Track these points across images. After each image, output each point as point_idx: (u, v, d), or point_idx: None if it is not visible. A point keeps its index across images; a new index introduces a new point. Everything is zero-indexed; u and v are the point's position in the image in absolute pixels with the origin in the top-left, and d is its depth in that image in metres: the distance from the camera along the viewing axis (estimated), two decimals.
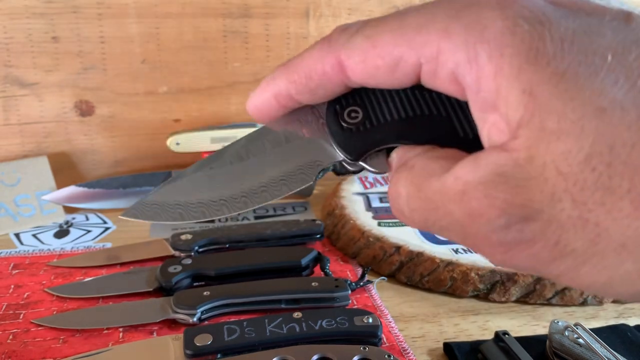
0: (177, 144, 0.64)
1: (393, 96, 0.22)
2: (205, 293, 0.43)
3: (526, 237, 0.17)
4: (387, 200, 0.22)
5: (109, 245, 0.56)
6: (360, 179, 0.65)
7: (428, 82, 0.20)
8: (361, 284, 0.48)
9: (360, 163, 0.23)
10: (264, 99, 0.24)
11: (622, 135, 0.15)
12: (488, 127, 0.18)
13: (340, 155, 0.24)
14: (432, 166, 0.19)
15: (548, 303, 0.47)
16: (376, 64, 0.20)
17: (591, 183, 0.16)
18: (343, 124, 0.23)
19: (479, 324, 0.45)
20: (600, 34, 0.17)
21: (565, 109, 0.16)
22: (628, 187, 0.15)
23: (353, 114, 0.23)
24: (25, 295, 0.46)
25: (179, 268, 0.46)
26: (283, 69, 0.23)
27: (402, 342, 0.42)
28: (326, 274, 0.48)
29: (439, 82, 0.20)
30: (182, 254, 0.51)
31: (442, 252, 0.49)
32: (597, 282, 0.17)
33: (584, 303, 0.47)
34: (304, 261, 0.48)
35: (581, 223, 0.16)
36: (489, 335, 0.42)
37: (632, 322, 0.44)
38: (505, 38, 0.17)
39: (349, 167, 0.24)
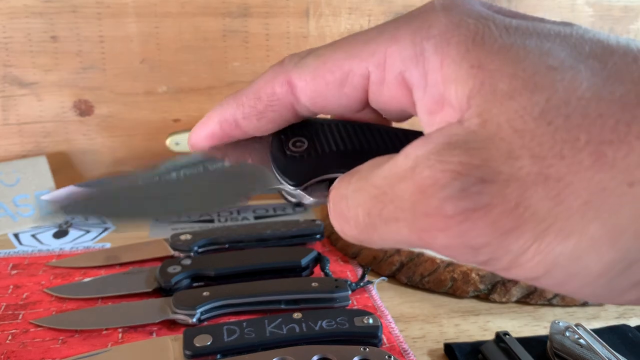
0: (177, 144, 0.63)
1: (339, 128, 0.23)
2: (204, 293, 0.43)
3: (483, 202, 0.15)
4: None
5: (108, 245, 0.55)
6: None
7: (376, 95, 0.20)
8: (361, 284, 0.47)
9: (299, 191, 0.23)
10: (208, 129, 0.23)
11: (576, 90, 0.15)
12: (437, 126, 0.18)
13: (280, 182, 0.23)
14: (378, 161, 0.19)
15: (549, 303, 0.47)
16: (326, 80, 0.20)
17: (549, 137, 0.15)
18: (287, 152, 0.23)
19: (479, 324, 0.45)
20: (543, 27, 0.17)
21: (516, 70, 0.16)
22: (586, 139, 0.15)
23: (298, 144, 0.23)
24: (24, 296, 0.46)
25: (179, 268, 0.46)
26: (232, 95, 0.22)
27: (402, 342, 0.41)
28: (326, 274, 0.48)
29: (386, 90, 0.19)
30: (181, 255, 0.51)
31: None
32: (563, 256, 0.15)
33: (585, 303, 0.47)
34: (304, 261, 0.48)
35: (542, 179, 0.15)
36: (490, 336, 0.42)
37: (633, 322, 0.44)
38: (450, 31, 0.17)
39: (288, 197, 0.24)
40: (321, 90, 0.20)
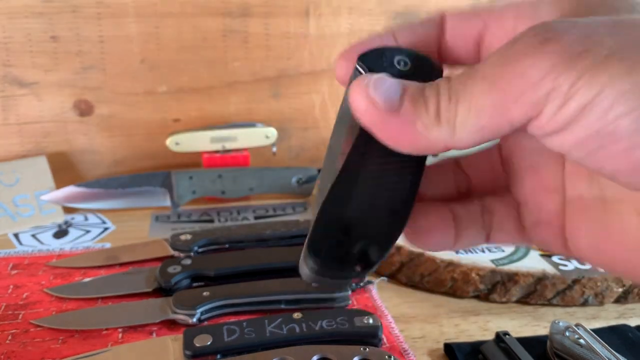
0: (177, 143, 0.63)
1: None
2: (204, 293, 0.43)
3: (558, 31, 0.17)
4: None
5: (108, 245, 0.55)
6: None
7: (486, 46, 0.22)
8: (361, 284, 0.47)
9: None
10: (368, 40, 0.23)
11: None
12: None
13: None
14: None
15: (549, 303, 0.47)
16: (468, 20, 0.22)
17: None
18: (391, 64, 0.22)
19: (479, 324, 0.45)
20: None
21: None
22: None
23: (402, 63, 0.22)
24: (24, 296, 0.46)
25: (179, 268, 0.46)
26: None
27: (402, 342, 0.41)
28: None
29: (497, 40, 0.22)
30: (181, 255, 0.51)
31: (442, 252, 0.49)
32: (617, 73, 0.16)
33: (584, 303, 0.47)
34: None
35: (610, 24, 0.17)
36: (490, 336, 0.42)
37: (633, 322, 0.44)
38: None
39: None
40: (459, 26, 0.23)
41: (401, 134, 0.19)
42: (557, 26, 0.17)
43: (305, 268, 0.21)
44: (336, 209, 0.21)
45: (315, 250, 0.20)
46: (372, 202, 0.21)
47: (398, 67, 0.21)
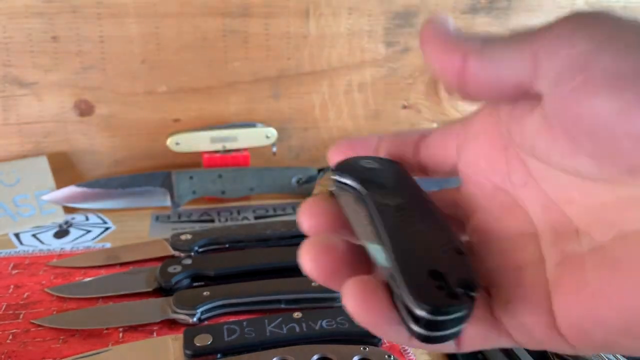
0: (177, 143, 0.63)
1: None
2: (205, 293, 0.43)
3: None
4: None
5: (108, 245, 0.56)
6: None
7: None
8: None
9: None
10: None
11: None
12: None
13: None
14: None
15: None
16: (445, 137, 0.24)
17: None
18: None
19: None
20: None
21: None
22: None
23: (369, 165, 0.24)
24: (25, 296, 0.46)
25: (179, 268, 0.46)
26: None
27: None
28: None
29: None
30: (181, 254, 0.51)
31: None
32: None
33: None
34: None
35: None
36: None
37: None
38: None
39: None
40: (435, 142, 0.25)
41: (440, 37, 0.20)
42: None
43: (416, 326, 0.18)
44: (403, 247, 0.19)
45: (417, 296, 0.18)
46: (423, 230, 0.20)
47: (365, 166, 0.23)
